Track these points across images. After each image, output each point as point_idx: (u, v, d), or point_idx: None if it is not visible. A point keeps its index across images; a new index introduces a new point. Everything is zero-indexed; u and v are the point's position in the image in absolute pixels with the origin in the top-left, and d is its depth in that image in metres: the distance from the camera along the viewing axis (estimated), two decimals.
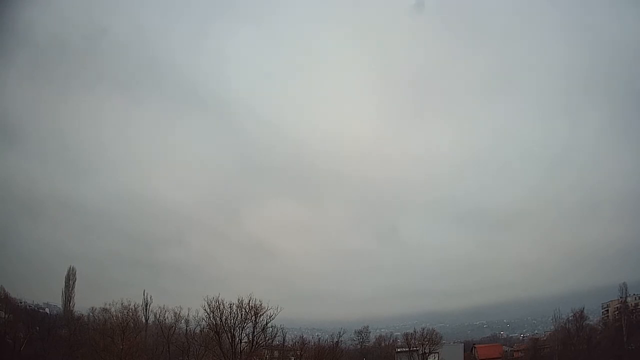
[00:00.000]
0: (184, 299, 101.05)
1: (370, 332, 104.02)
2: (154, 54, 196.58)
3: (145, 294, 73.15)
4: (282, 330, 69.82)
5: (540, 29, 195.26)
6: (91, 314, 76.29)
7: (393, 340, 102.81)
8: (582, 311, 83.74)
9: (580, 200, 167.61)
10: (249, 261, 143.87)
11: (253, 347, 57.93)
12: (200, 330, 63.20)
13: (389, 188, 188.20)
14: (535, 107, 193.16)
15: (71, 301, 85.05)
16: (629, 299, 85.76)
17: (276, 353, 74.30)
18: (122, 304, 62.82)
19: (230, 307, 55.48)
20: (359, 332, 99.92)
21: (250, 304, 56.12)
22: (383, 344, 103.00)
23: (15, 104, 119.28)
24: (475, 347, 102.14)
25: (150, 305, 72.47)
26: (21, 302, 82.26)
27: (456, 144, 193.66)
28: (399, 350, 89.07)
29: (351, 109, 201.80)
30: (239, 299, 56.16)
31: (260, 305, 56.36)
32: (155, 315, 71.56)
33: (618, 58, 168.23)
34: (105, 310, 67.56)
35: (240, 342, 56.77)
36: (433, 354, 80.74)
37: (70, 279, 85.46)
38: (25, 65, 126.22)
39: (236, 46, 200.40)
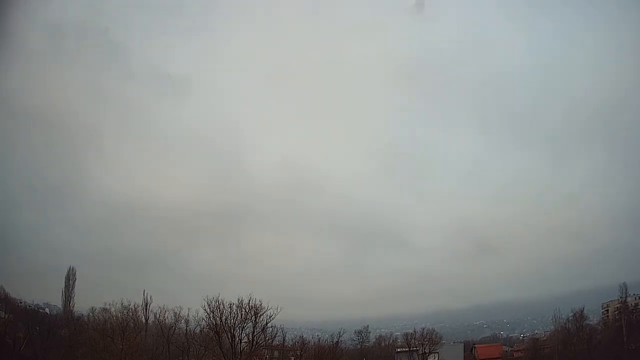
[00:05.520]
0: (184, 299, 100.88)
1: (370, 332, 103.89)
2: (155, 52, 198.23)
3: (145, 294, 72.98)
4: (282, 330, 69.67)
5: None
6: (91, 314, 76.23)
7: (393, 340, 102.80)
8: (582, 311, 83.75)
9: (579, 201, 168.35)
10: (249, 262, 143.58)
11: (253, 347, 57.96)
12: (200, 330, 63.15)
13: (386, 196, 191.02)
14: None
15: (71, 301, 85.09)
16: (629, 299, 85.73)
17: (276, 353, 74.29)
18: (122, 304, 63.32)
19: (230, 307, 55.61)
20: (359, 332, 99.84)
21: (250, 304, 56.28)
22: (383, 344, 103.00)
23: (17, 98, 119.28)
24: (475, 347, 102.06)
25: (150, 305, 72.30)
26: (21, 302, 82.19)
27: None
28: (399, 350, 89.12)
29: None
30: (239, 299, 56.31)
31: (260, 305, 56.52)
32: (155, 315, 71.56)
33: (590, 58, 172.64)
34: (105, 310, 67.87)
35: (240, 342, 56.81)
36: (433, 354, 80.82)
37: (70, 279, 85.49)
38: (33, 52, 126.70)
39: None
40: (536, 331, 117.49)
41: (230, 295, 57.39)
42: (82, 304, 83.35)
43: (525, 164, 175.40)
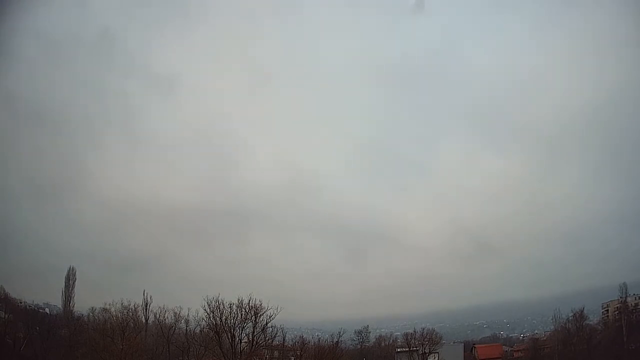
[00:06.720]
0: (184, 299, 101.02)
1: (370, 332, 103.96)
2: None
3: (145, 294, 73.15)
4: (282, 330, 69.58)
5: None
6: (91, 314, 76.13)
7: (393, 340, 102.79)
8: (582, 311, 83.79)
9: (579, 202, 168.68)
10: (249, 263, 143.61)
11: (253, 347, 57.89)
12: (200, 330, 63.07)
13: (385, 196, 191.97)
14: None
15: (71, 301, 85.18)
16: (629, 299, 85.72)
17: (276, 353, 74.23)
18: (122, 304, 63.26)
19: (230, 307, 55.50)
20: (359, 332, 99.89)
21: (250, 304, 56.15)
22: (383, 344, 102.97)
23: (18, 99, 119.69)
24: (475, 347, 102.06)
25: (150, 305, 72.53)
26: (21, 302, 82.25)
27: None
28: (399, 350, 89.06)
29: None
30: (239, 299, 56.19)
31: (260, 305, 56.39)
32: (155, 315, 71.73)
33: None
34: (105, 310, 67.63)
35: (240, 342, 56.72)
36: (433, 354, 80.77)
37: (70, 279, 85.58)
38: (32, 55, 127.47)
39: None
40: (536, 331, 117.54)
41: (230, 295, 57.44)
42: (82, 304, 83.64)
43: (520, 165, 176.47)
